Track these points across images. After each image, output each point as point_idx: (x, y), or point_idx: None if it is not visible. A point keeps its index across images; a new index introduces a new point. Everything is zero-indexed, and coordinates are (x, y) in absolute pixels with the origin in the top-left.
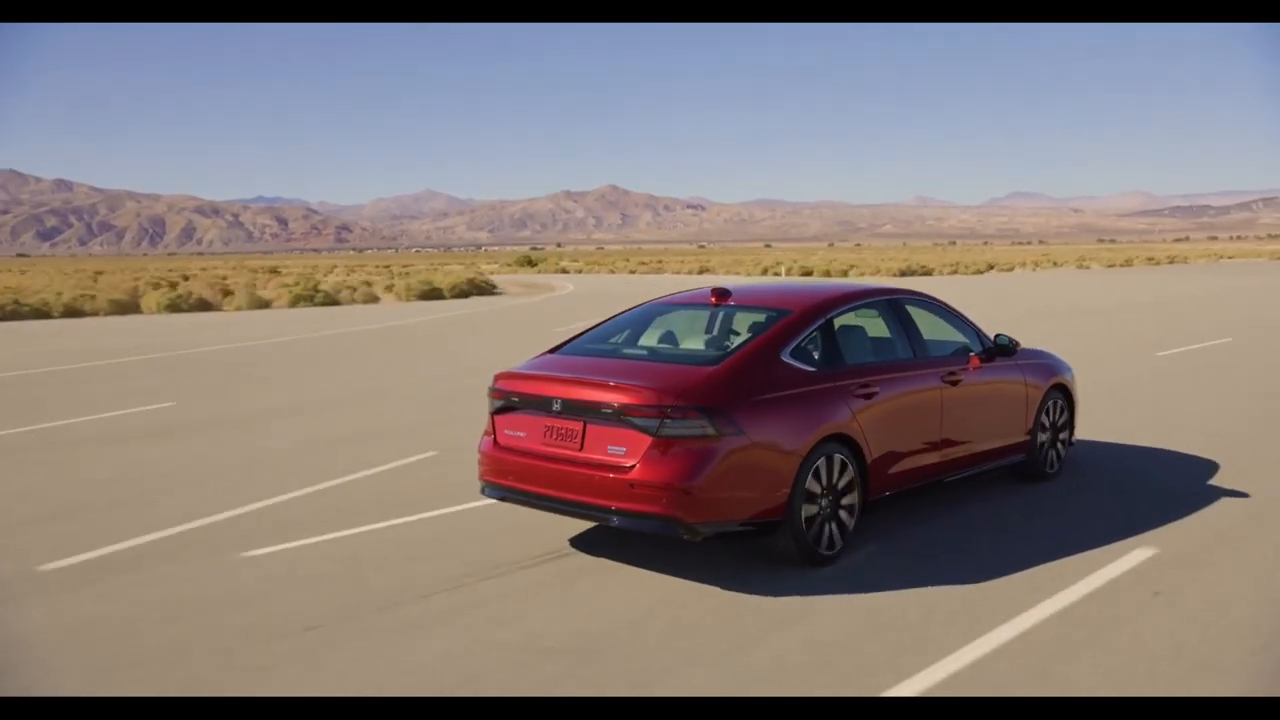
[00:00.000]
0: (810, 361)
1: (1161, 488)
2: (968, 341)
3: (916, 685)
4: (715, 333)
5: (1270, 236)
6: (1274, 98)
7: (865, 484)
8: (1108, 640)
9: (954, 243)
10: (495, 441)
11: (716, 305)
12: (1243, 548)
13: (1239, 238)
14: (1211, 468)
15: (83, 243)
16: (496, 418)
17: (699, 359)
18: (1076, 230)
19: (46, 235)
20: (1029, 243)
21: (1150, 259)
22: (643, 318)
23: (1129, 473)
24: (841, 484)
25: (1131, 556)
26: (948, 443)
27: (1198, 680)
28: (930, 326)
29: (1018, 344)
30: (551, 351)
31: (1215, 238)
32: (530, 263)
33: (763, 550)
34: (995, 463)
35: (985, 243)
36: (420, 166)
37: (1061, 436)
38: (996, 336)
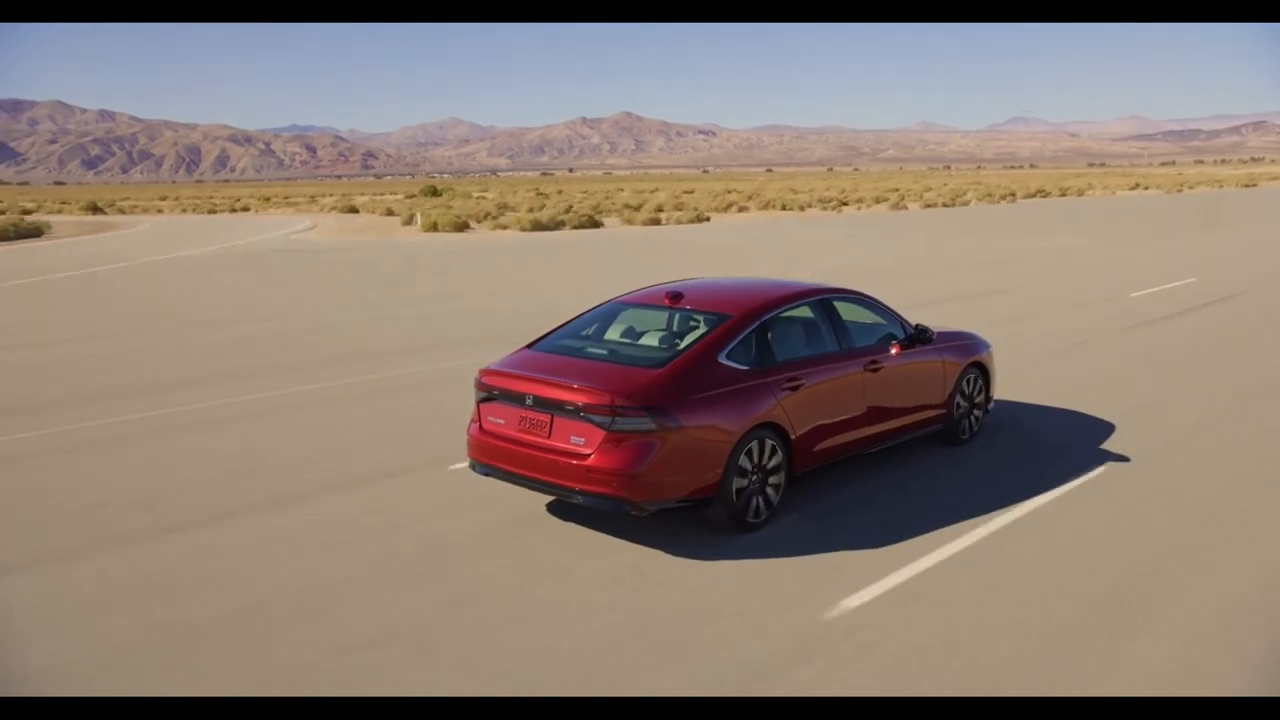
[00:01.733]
0: (744, 361)
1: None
2: (892, 330)
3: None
4: (667, 331)
5: (1253, 160)
6: (1266, 24)
7: (791, 462)
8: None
9: (949, 167)
10: (481, 426)
11: (671, 307)
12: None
13: (1223, 161)
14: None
15: (124, 170)
16: (481, 406)
17: (648, 361)
18: (1071, 154)
19: (91, 164)
20: (1021, 167)
21: (1041, 191)
22: (609, 314)
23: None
24: (769, 463)
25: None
26: (869, 421)
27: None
28: (860, 317)
29: (932, 332)
30: (529, 346)
31: (1202, 161)
32: (435, 192)
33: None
34: (915, 433)
35: (978, 167)
36: (446, 94)
37: (976, 408)
38: (916, 325)
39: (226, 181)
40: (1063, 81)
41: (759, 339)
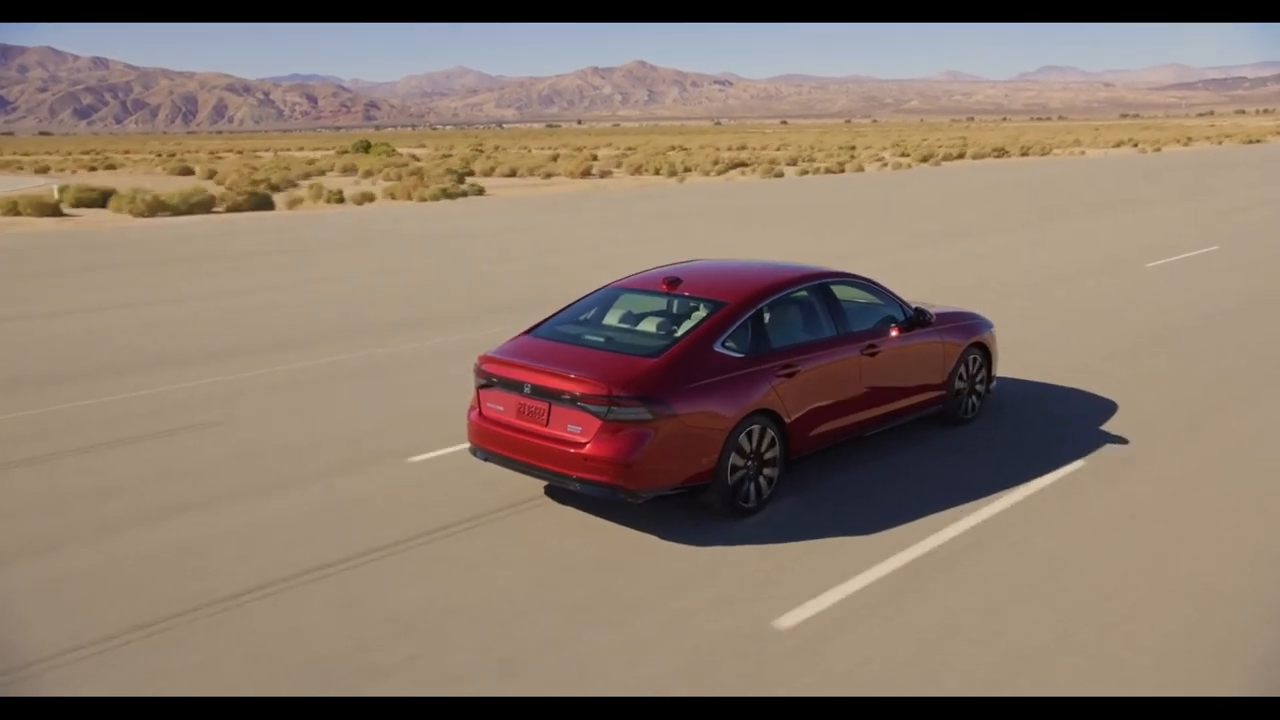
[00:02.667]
0: (740, 349)
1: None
2: (892, 312)
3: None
4: (665, 317)
5: None
6: None
7: (787, 447)
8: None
9: (972, 119)
10: (480, 413)
11: (668, 293)
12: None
13: (1266, 111)
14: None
15: (118, 120)
16: (481, 392)
17: (644, 350)
18: (1106, 105)
19: (83, 113)
20: (1049, 118)
21: (1000, 150)
22: (607, 300)
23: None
24: (764, 448)
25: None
26: (866, 405)
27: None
28: (860, 300)
29: (930, 315)
30: (528, 332)
31: (1243, 111)
32: (367, 148)
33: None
34: (915, 415)
35: (1003, 119)
36: (453, 43)
37: (978, 386)
38: (916, 308)
39: (220, 133)
40: (1098, 28)
41: (755, 326)
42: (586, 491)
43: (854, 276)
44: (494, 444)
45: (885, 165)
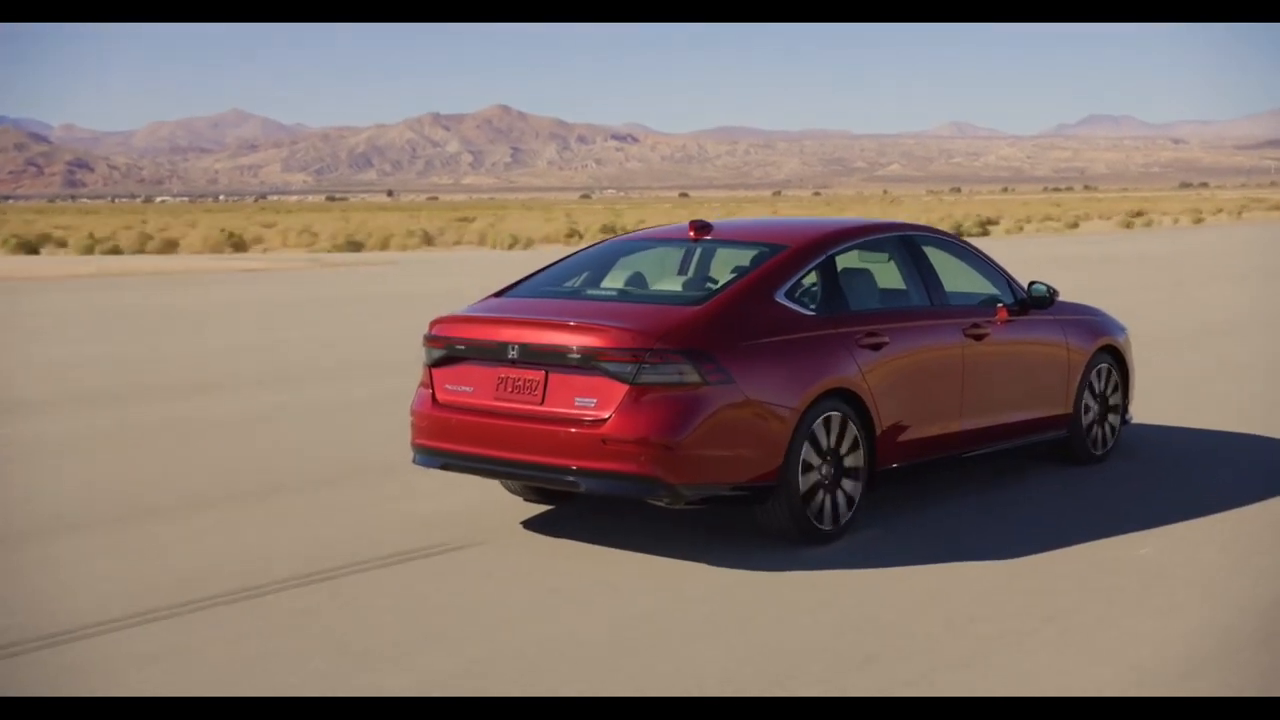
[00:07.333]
0: (809, 304)
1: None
2: (997, 291)
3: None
4: (693, 273)
5: None
6: None
7: (873, 451)
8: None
9: (959, 190)
10: (434, 399)
11: (695, 240)
12: None
13: None
14: None
15: None
16: (435, 371)
17: (679, 299)
18: (1171, 168)
19: None
20: (1070, 189)
21: None
22: (604, 257)
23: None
24: (845, 449)
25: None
26: (971, 410)
27: None
28: (952, 272)
29: (1056, 293)
30: (498, 294)
31: None
32: None
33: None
34: (1028, 438)
35: (1005, 189)
36: (225, 79)
37: (1112, 412)
38: (1031, 285)
39: None
40: (1160, 65)
41: (824, 277)
42: (599, 490)
43: (948, 236)
44: (455, 440)
45: None
